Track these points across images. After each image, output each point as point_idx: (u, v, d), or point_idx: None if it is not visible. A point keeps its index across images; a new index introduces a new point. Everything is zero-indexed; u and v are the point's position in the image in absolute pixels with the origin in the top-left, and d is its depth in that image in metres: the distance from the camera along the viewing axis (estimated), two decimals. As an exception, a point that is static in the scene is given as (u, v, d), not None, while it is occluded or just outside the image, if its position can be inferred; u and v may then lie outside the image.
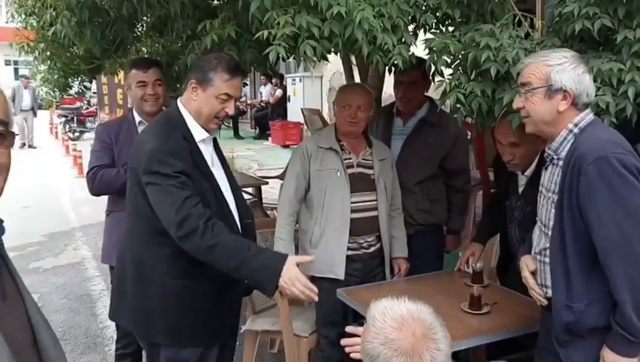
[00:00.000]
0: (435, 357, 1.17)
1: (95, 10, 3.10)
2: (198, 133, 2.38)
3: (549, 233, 2.19)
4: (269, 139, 13.75)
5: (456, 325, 2.55)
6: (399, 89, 3.42)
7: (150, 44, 3.63)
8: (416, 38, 2.79)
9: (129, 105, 3.60)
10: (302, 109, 9.72)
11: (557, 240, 2.14)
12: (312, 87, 12.76)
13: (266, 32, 2.23)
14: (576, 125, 2.09)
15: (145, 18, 3.67)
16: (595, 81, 2.36)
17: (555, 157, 2.16)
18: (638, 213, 1.95)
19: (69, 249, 6.83)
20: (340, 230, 3.10)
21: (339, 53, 4.12)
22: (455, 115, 2.57)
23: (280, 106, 14.25)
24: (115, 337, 3.72)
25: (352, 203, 3.11)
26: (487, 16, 2.83)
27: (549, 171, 2.24)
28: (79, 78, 4.22)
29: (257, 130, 14.99)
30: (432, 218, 3.43)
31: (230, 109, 2.40)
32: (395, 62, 2.53)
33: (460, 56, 2.64)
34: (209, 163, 2.41)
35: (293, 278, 2.20)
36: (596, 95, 2.33)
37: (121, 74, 5.20)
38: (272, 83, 14.98)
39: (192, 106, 2.37)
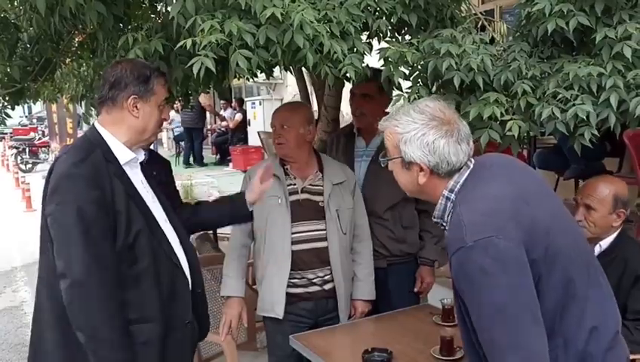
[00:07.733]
0: None
1: (4, 25, 2.71)
2: (123, 155, 1.98)
3: None
4: (230, 164, 13.33)
5: (427, 375, 2.22)
6: (353, 102, 3.10)
7: (77, 66, 3.20)
8: (370, 48, 2.48)
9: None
10: (259, 133, 9.31)
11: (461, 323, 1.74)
12: (272, 111, 12.33)
13: (189, 41, 1.87)
14: (451, 191, 1.70)
15: (71, 36, 3.29)
16: (571, 88, 2.08)
17: (444, 224, 1.76)
18: (509, 312, 1.54)
19: (8, 291, 6.26)
20: (280, 263, 2.73)
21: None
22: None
23: (240, 131, 13.88)
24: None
25: (293, 233, 2.74)
26: (446, 22, 2.56)
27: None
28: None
29: (218, 156, 14.56)
30: (407, 247, 3.06)
31: (166, 113, 2.07)
32: (347, 73, 2.22)
33: (419, 67, 2.34)
34: (139, 189, 2.01)
35: None
36: (574, 104, 2.05)
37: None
38: (231, 107, 14.63)
39: (132, 126, 1.98)
